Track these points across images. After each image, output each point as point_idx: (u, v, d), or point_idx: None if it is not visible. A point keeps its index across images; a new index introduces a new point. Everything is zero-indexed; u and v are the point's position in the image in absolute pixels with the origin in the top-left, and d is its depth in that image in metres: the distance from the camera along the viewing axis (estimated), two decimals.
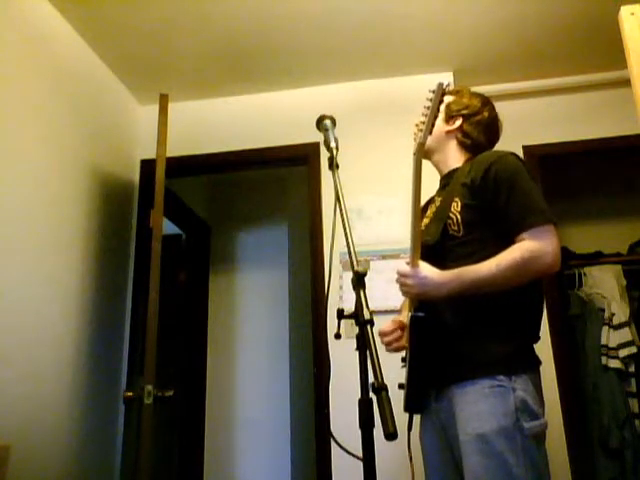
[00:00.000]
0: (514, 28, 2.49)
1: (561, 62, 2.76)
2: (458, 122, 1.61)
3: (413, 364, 1.41)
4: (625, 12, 1.55)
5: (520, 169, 1.43)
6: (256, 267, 3.88)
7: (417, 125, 1.58)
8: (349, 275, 1.19)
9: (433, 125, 1.29)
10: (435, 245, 1.44)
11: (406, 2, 2.31)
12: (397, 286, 1.42)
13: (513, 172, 1.41)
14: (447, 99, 1.62)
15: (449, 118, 1.62)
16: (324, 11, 2.35)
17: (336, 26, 2.45)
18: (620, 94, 2.73)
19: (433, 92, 1.25)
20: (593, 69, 2.80)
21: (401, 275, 1.39)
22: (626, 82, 1.59)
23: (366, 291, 1.13)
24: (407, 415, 1.49)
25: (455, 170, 1.58)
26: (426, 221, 1.58)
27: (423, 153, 1.33)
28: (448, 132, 1.62)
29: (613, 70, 2.74)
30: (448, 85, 1.27)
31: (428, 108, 1.27)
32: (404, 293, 1.43)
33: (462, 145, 1.61)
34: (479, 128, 1.60)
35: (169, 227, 3.24)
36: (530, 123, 2.86)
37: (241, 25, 2.42)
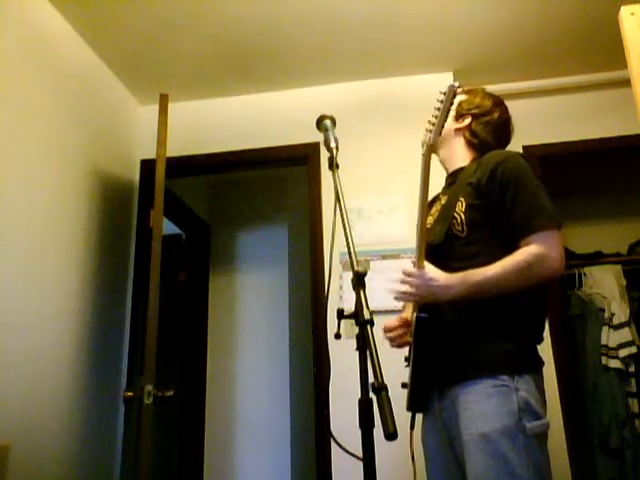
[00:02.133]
0: (514, 28, 2.49)
1: (561, 62, 2.76)
2: (467, 121, 1.61)
3: (417, 364, 1.41)
4: (625, 12, 1.55)
5: (527, 170, 1.43)
6: (256, 267, 3.88)
7: (429, 121, 1.59)
8: (349, 275, 1.19)
9: (443, 127, 1.29)
10: (440, 245, 1.44)
11: (406, 2, 2.31)
12: (397, 286, 1.42)
13: (520, 173, 1.41)
14: (460, 98, 1.63)
15: (459, 116, 1.62)
16: (324, 11, 2.35)
17: (336, 26, 2.45)
18: (620, 94, 2.73)
19: (444, 94, 1.24)
20: (593, 69, 2.80)
21: (407, 275, 1.39)
22: (626, 82, 1.59)
23: (366, 291, 1.13)
24: (408, 415, 1.50)
25: (461, 169, 1.58)
26: (430, 220, 1.58)
27: (431, 154, 1.33)
28: (456, 130, 1.62)
29: (613, 70, 2.74)
30: (459, 87, 1.26)
31: (439, 109, 1.26)
32: (408, 295, 1.41)
33: (469, 144, 1.61)
34: (488, 128, 1.59)
35: (169, 227, 3.24)
36: (530, 123, 2.85)
37: (241, 25, 2.42)
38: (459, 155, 1.61)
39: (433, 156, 1.48)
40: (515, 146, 2.63)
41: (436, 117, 1.26)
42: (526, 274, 1.32)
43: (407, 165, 2.62)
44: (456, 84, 1.24)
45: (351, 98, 2.85)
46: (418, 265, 1.37)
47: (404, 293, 1.42)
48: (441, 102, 1.24)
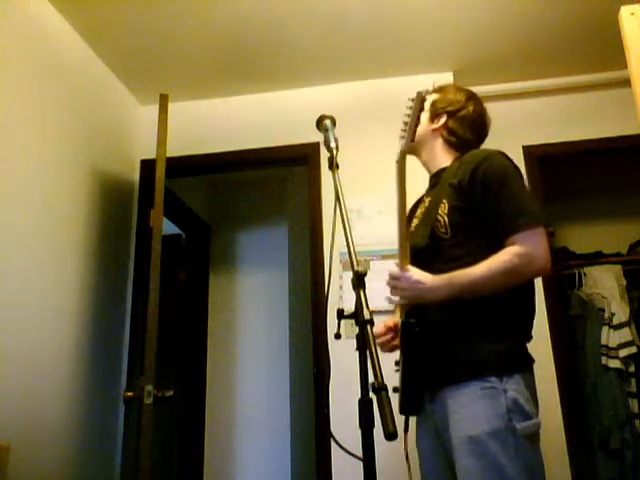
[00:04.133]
0: (514, 28, 2.49)
1: (561, 62, 2.76)
2: (442, 119, 1.59)
3: (406, 368, 1.41)
4: (625, 12, 1.55)
5: (509, 169, 1.42)
6: (256, 267, 3.88)
7: (402, 129, 1.60)
8: (349, 275, 1.19)
9: (414, 133, 1.28)
10: (424, 248, 1.44)
11: (406, 2, 2.31)
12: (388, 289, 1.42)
13: (502, 172, 1.41)
14: (432, 97, 1.61)
15: (434, 116, 1.60)
16: (324, 12, 2.35)
17: (336, 26, 2.45)
18: (620, 94, 2.73)
19: (413, 100, 1.24)
20: (593, 69, 2.79)
21: (393, 277, 1.39)
22: (626, 82, 1.59)
23: (366, 291, 1.13)
24: (404, 416, 1.49)
25: (443, 169, 1.57)
26: (415, 222, 1.58)
27: (405, 160, 1.33)
28: (434, 130, 1.60)
29: (613, 70, 2.74)
30: (427, 92, 1.26)
31: (409, 116, 1.26)
32: (396, 297, 1.42)
33: (448, 143, 1.59)
34: (464, 124, 1.58)
35: (169, 227, 3.24)
36: (530, 123, 2.85)
37: (241, 25, 2.42)
38: (440, 156, 1.60)
39: (415, 159, 1.48)
40: (515, 146, 2.65)
41: (407, 123, 1.26)
42: (512, 274, 1.32)
43: (407, 165, 2.62)
44: (424, 91, 1.25)
45: (351, 98, 2.84)
46: (402, 268, 1.37)
47: (392, 295, 1.42)
48: (410, 108, 1.24)
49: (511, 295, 1.37)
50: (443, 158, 1.59)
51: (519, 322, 1.42)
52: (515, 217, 1.35)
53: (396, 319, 1.57)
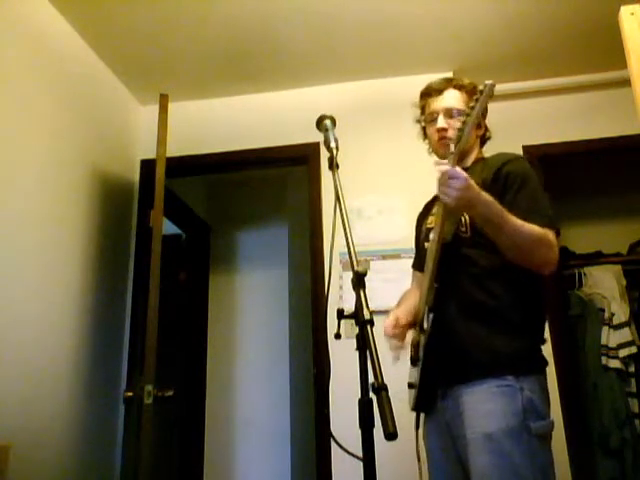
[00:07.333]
0: (514, 28, 2.49)
1: (561, 62, 2.75)
2: (484, 123, 1.60)
3: (426, 365, 1.41)
4: (625, 12, 1.55)
5: (531, 173, 1.45)
6: (256, 267, 3.88)
7: (462, 121, 1.55)
8: (349, 275, 1.19)
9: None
10: (450, 244, 1.45)
11: (406, 2, 2.31)
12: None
13: (524, 174, 1.44)
14: (457, 95, 1.55)
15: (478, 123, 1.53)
16: (324, 11, 2.35)
17: (336, 26, 2.45)
18: (620, 94, 2.73)
19: (480, 92, 1.16)
20: (593, 69, 2.79)
21: (451, 176, 1.26)
22: (626, 82, 1.59)
23: (366, 291, 1.13)
24: (409, 415, 1.50)
25: (466, 169, 1.57)
26: (431, 219, 1.58)
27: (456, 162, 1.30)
28: (477, 136, 1.60)
29: (613, 70, 2.74)
30: (493, 85, 1.19)
31: (467, 115, 1.20)
32: (447, 197, 1.29)
33: (481, 140, 1.61)
34: (485, 113, 1.57)
35: (169, 227, 3.24)
36: (530, 123, 2.85)
37: (241, 25, 2.42)
38: (471, 156, 1.59)
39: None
40: (515, 146, 2.65)
41: (468, 115, 1.22)
42: (533, 243, 1.32)
43: (407, 165, 2.62)
44: (489, 84, 1.18)
45: (351, 98, 2.84)
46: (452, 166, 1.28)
47: (445, 196, 1.29)
48: (476, 101, 1.20)
49: (526, 299, 1.41)
50: (472, 157, 1.59)
51: (534, 325, 1.45)
52: (532, 214, 1.36)
53: (401, 313, 1.58)
